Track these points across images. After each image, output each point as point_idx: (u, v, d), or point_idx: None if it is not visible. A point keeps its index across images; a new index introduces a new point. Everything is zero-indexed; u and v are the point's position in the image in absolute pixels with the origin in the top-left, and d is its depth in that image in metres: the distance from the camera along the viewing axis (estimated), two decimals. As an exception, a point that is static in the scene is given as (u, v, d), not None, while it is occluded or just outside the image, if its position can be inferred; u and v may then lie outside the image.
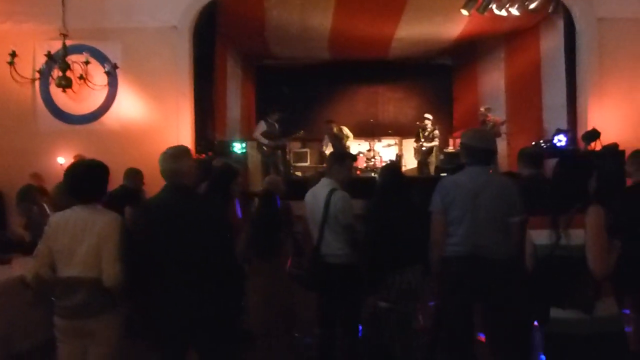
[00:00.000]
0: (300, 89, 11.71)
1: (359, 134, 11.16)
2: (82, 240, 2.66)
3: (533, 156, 3.93)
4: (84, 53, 5.92)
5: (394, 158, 11.26)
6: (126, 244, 2.70)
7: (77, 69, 6.22)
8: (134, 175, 5.29)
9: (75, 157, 7.47)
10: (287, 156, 10.81)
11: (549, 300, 2.53)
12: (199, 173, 3.92)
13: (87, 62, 5.86)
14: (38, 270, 2.74)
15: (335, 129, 10.04)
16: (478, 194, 3.14)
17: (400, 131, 11.69)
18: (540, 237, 2.61)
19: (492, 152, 3.35)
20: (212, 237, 2.71)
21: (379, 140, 11.28)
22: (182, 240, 2.68)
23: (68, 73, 5.80)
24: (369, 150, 10.75)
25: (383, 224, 3.61)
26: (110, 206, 4.59)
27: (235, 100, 10.64)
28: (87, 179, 2.81)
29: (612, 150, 7.03)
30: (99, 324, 2.67)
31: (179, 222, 2.69)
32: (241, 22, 9.22)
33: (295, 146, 11.16)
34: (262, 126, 9.31)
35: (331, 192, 3.62)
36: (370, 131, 11.12)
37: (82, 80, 5.94)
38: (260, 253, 3.78)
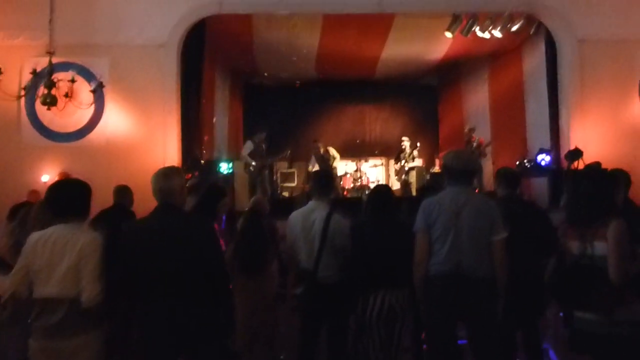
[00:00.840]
0: (288, 108, 11.79)
1: (346, 154, 11.21)
2: (62, 259, 2.62)
3: (508, 177, 3.99)
4: (70, 71, 5.89)
5: (381, 178, 11.35)
6: (112, 262, 2.69)
7: (64, 87, 6.19)
8: (125, 192, 5.22)
9: (60, 174, 7.44)
10: (275, 176, 10.83)
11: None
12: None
13: (72, 80, 5.84)
14: (15, 290, 2.69)
15: (321, 150, 10.07)
16: (459, 213, 3.18)
17: (387, 151, 11.78)
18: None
19: (472, 173, 3.42)
20: (203, 258, 2.71)
21: (366, 161, 11.34)
22: (173, 260, 2.66)
23: (53, 91, 5.77)
24: (355, 171, 10.79)
25: (369, 244, 3.62)
26: (104, 224, 4.61)
27: (222, 118, 10.67)
28: (68, 197, 2.79)
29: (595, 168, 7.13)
30: (78, 345, 2.62)
31: (170, 242, 2.69)
32: (229, 41, 9.32)
33: (282, 166, 11.15)
34: (249, 146, 9.34)
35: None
36: (356, 151, 11.19)
37: (67, 98, 5.90)
38: (244, 270, 3.76)
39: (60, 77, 5.99)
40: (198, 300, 2.68)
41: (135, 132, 7.66)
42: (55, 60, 6.58)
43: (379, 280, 3.54)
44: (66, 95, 5.86)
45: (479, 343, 3.21)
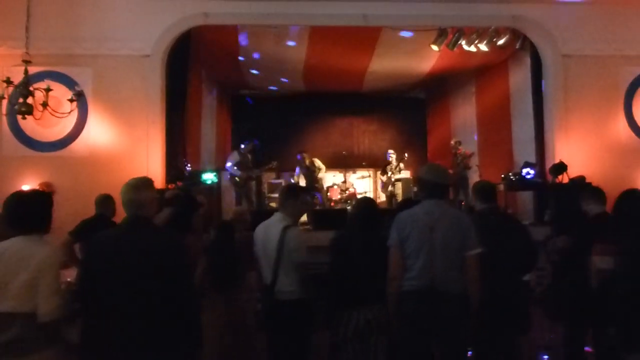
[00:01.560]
0: (276, 119, 11.79)
1: (334, 165, 11.23)
2: (18, 272, 2.52)
3: (484, 190, 3.96)
4: (45, 80, 5.83)
5: (368, 190, 11.34)
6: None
7: (43, 96, 6.13)
8: (107, 202, 5.11)
9: (40, 184, 7.35)
10: (262, 187, 10.80)
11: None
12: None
13: (48, 89, 5.78)
14: None
15: (307, 161, 10.05)
16: (433, 227, 3.13)
17: (375, 163, 11.77)
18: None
19: (446, 186, 3.37)
20: (168, 274, 2.59)
21: (354, 172, 11.34)
22: (136, 275, 2.56)
23: (30, 100, 5.71)
24: (343, 182, 10.77)
25: (350, 258, 3.56)
26: (84, 235, 4.53)
27: (210, 130, 10.62)
28: (26, 209, 2.69)
29: (579, 182, 7.14)
30: None
31: (135, 255, 2.59)
32: (216, 52, 9.30)
33: (269, 177, 11.15)
34: (234, 157, 9.33)
35: (285, 229, 3.57)
36: (344, 163, 11.17)
37: (45, 107, 5.84)
38: (215, 285, 3.68)
39: (41, 86, 5.91)
40: (160, 318, 2.57)
41: (119, 143, 7.59)
42: (36, 69, 6.52)
43: (359, 295, 3.48)
44: (43, 105, 5.78)
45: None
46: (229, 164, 9.26)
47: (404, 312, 3.20)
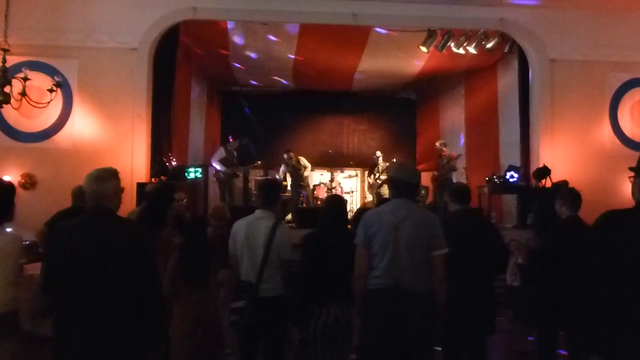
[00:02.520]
0: (266, 117, 11.78)
1: (322, 164, 11.22)
2: None
3: (458, 192, 3.98)
4: (23, 70, 5.80)
5: (355, 189, 11.36)
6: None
7: (26, 86, 6.09)
8: (82, 192, 5.05)
9: (22, 176, 7.33)
10: (249, 184, 10.80)
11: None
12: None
13: (25, 79, 5.74)
14: None
15: (293, 159, 10.06)
16: (399, 226, 3.12)
17: (363, 163, 11.77)
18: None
19: (414, 186, 3.34)
20: (131, 267, 2.52)
21: (341, 171, 11.34)
22: (97, 267, 2.49)
23: (8, 89, 5.66)
24: (330, 181, 10.77)
25: (317, 255, 3.56)
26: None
27: (199, 125, 10.60)
28: None
29: (563, 187, 7.16)
30: None
31: (97, 247, 2.52)
32: (205, 48, 9.27)
33: (256, 174, 11.13)
34: (220, 153, 9.37)
35: (275, 226, 3.56)
36: (332, 162, 11.16)
37: (23, 97, 5.80)
38: (186, 281, 3.66)
39: (21, 75, 5.87)
40: (123, 310, 2.53)
41: (103, 136, 7.57)
42: (19, 59, 6.48)
43: (329, 291, 3.48)
44: (22, 94, 5.74)
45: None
46: (214, 160, 9.29)
47: (369, 311, 3.19)
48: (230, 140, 9.65)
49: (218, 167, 9.17)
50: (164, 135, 8.05)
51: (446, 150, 9.47)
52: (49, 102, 6.17)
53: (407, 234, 3.10)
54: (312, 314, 3.47)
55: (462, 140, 10.63)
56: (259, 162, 9.95)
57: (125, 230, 2.71)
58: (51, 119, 7.37)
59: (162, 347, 2.83)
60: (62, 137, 7.47)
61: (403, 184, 3.26)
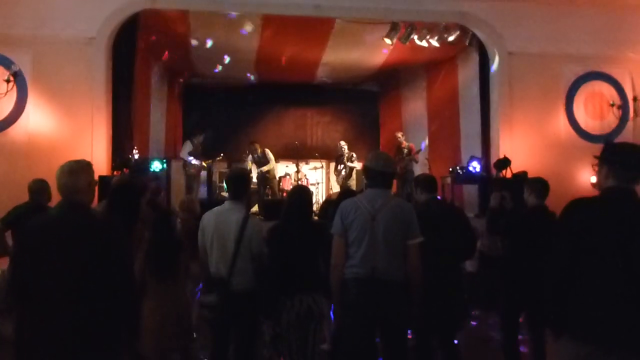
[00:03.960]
0: (228, 109, 11.67)
1: (287, 156, 11.21)
2: None
3: (425, 182, 4.08)
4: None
5: (320, 180, 11.39)
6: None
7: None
8: (42, 187, 4.81)
9: (-26, 170, 6.99)
10: (213, 177, 10.68)
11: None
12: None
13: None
14: None
15: (259, 150, 10.03)
16: (375, 216, 3.16)
17: (328, 154, 11.83)
18: None
19: (390, 175, 3.38)
20: (105, 261, 2.46)
21: (306, 163, 11.35)
22: (70, 262, 2.43)
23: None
24: (296, 172, 10.76)
25: (287, 246, 3.55)
26: (18, 223, 4.31)
27: (160, 117, 10.36)
28: None
29: (522, 177, 7.38)
30: None
31: (70, 242, 2.46)
32: (165, 38, 9.06)
33: (221, 167, 11.02)
34: (188, 146, 9.33)
35: (246, 218, 3.52)
36: (297, 153, 11.16)
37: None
38: (155, 274, 3.60)
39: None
40: (96, 307, 2.48)
41: (61, 129, 7.29)
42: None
43: (297, 282, 3.48)
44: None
45: (391, 348, 3.20)
46: (183, 153, 9.25)
47: (346, 300, 3.23)
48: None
49: (188, 159, 9.15)
50: (124, 128, 7.83)
51: (405, 143, 9.64)
52: (5, 93, 5.90)
53: (384, 223, 3.15)
54: (284, 307, 3.47)
55: (425, 132, 10.80)
56: (221, 155, 9.92)
57: (100, 224, 2.65)
58: (4, 112, 7.03)
59: (135, 344, 2.77)
60: (17, 131, 7.15)
61: (378, 174, 3.30)
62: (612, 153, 2.51)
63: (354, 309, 3.20)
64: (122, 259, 2.59)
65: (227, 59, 9.63)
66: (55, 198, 4.80)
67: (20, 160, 6.97)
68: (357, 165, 10.33)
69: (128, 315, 2.63)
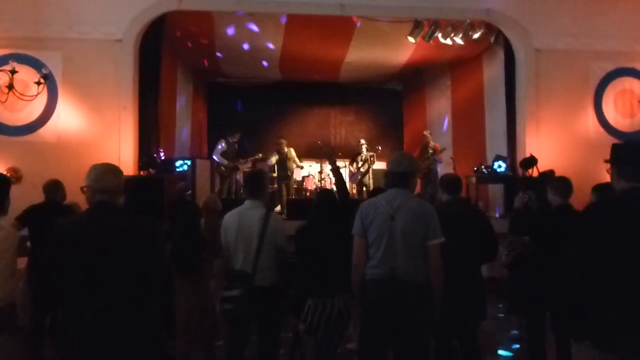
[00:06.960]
0: (253, 109, 11.74)
1: (310, 155, 11.19)
2: None
3: (448, 182, 4.03)
4: (10, 62, 5.68)
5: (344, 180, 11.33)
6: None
7: (7, 78, 5.98)
8: (56, 187, 4.87)
9: (8, 170, 7.20)
10: (237, 176, 10.73)
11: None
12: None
13: (13, 71, 5.64)
14: None
15: (285, 148, 9.98)
16: (394, 216, 3.14)
17: (350, 154, 11.75)
18: None
19: (411, 175, 3.34)
20: (143, 260, 2.49)
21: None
22: (109, 261, 2.44)
23: (-8, 82, 5.58)
24: (319, 172, 10.75)
25: (313, 247, 3.56)
26: (33, 221, 4.43)
27: (185, 117, 10.51)
28: None
29: (549, 176, 7.25)
30: None
31: (108, 241, 2.47)
32: (191, 39, 9.18)
33: (245, 166, 11.07)
34: (222, 146, 9.33)
35: (267, 214, 3.57)
36: (320, 153, 11.15)
37: (10, 90, 5.70)
38: (180, 272, 3.65)
39: (7, 68, 5.77)
40: (134, 304, 2.46)
41: (89, 129, 7.47)
42: (2, 52, 6.34)
43: (329, 284, 3.49)
44: (9, 87, 5.65)
45: (408, 352, 3.16)
46: (215, 153, 9.28)
47: (366, 300, 3.22)
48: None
49: (219, 160, 9.19)
50: (151, 128, 7.98)
51: (432, 142, 9.56)
52: (36, 95, 6.06)
53: (403, 223, 3.12)
54: (315, 308, 3.46)
55: (446, 129, 10.69)
56: (260, 154, 9.87)
57: (135, 222, 2.63)
58: (36, 113, 7.25)
59: (171, 342, 2.79)
60: (47, 131, 7.36)
61: (397, 174, 3.28)
62: (620, 154, 2.46)
63: (373, 309, 3.18)
64: (162, 258, 2.64)
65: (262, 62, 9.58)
66: (69, 197, 4.97)
67: (51, 160, 7.15)
68: (380, 166, 10.25)
69: (166, 313, 2.65)
